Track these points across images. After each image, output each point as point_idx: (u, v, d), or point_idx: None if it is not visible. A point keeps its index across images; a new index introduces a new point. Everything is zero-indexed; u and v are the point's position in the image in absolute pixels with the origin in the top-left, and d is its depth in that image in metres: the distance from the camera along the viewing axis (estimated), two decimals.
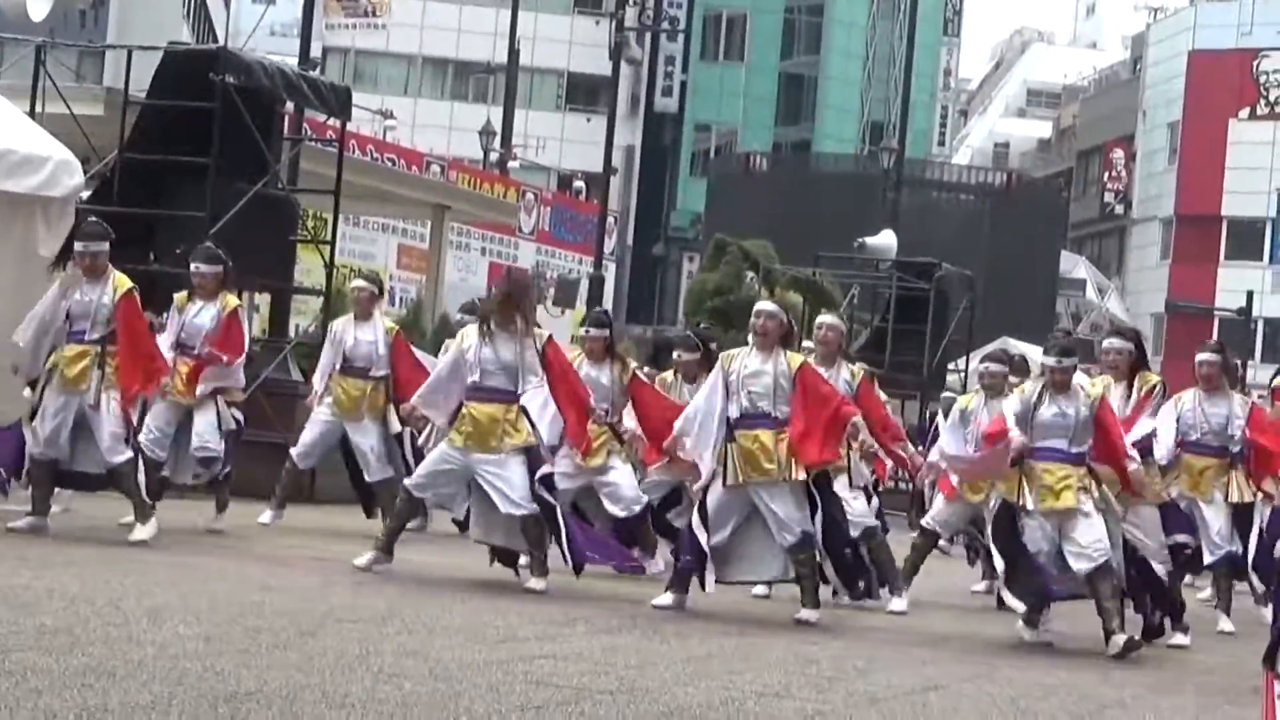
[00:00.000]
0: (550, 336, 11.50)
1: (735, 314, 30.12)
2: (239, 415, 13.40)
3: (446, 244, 31.14)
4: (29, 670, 6.50)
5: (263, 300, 22.75)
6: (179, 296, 13.37)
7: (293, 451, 14.51)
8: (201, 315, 13.15)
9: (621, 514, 12.79)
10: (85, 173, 14.33)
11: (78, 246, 11.91)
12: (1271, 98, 64.23)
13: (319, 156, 21.56)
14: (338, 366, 14.47)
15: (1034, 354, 25.95)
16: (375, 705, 6.45)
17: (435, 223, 28.59)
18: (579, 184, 52.96)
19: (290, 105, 20.60)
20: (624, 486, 12.83)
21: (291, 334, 20.77)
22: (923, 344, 29.97)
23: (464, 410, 11.18)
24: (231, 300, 13.29)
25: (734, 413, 10.86)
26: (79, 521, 12.00)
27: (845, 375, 12.28)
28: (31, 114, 16.32)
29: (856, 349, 25.36)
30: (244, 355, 13.53)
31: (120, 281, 11.84)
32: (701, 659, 8.69)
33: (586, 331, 13.32)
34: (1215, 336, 50.62)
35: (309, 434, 14.54)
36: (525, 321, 11.25)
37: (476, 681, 7.20)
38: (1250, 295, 52.27)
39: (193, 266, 13.29)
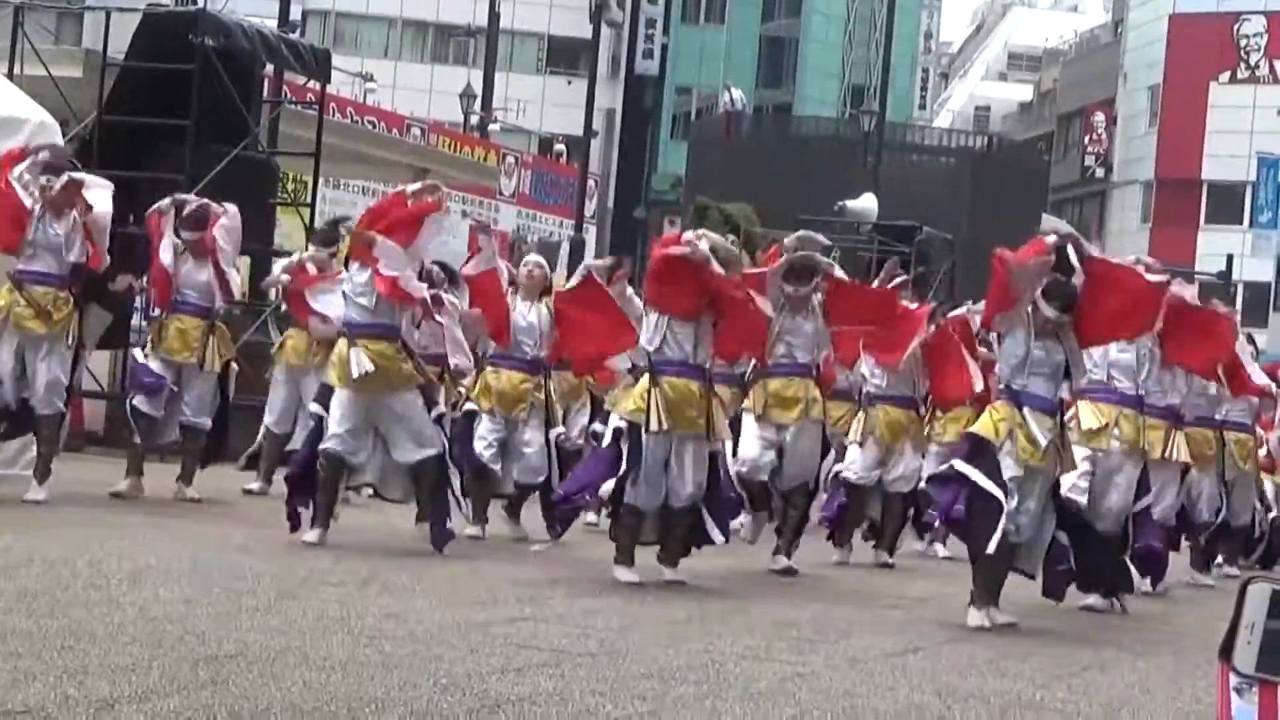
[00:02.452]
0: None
1: None
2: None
3: None
4: (9, 633, 6.49)
5: (242, 263, 22.67)
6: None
7: (267, 421, 14.53)
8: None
9: (524, 481, 12.64)
10: (64, 135, 14.28)
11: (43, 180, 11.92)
12: (1252, 61, 64.21)
13: (299, 119, 21.48)
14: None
15: None
16: (356, 667, 6.46)
17: None
18: (560, 147, 52.79)
19: (270, 67, 20.53)
20: (534, 454, 12.62)
21: (271, 297, 20.70)
22: None
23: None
24: None
25: (654, 352, 10.24)
26: (60, 486, 11.96)
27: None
28: (10, 76, 16.25)
29: None
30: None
31: None
32: (682, 622, 8.70)
33: (527, 265, 13.28)
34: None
35: (275, 398, 14.65)
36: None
37: (457, 644, 7.21)
38: (1230, 259, 52.21)
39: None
